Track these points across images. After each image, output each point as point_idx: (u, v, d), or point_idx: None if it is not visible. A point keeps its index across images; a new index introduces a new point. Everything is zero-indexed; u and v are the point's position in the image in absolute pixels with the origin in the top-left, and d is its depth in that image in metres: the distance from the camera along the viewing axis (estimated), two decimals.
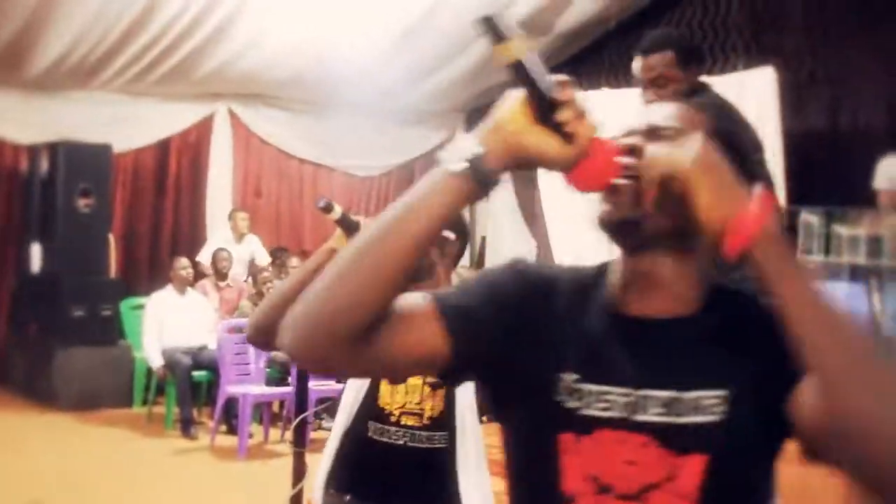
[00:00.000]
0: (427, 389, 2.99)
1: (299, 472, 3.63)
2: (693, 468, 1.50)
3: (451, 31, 10.91)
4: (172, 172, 11.83)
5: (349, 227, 3.00)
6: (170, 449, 8.38)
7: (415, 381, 2.98)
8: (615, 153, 1.50)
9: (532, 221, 11.60)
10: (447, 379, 1.76)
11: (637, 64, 4.09)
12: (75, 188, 9.90)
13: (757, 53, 9.46)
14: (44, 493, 5.08)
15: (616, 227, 1.57)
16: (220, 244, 10.75)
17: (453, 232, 2.99)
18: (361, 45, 10.83)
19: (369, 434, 3.00)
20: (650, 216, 1.52)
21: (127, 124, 11.28)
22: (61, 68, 10.36)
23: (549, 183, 10.53)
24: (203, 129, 11.93)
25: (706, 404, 1.51)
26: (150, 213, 11.71)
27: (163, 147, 11.76)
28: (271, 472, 7.12)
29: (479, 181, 1.47)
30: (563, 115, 1.44)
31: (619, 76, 10.95)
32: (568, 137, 1.45)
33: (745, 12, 10.21)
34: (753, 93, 8.92)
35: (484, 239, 12.74)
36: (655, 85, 4.01)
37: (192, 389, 9.02)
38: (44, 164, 10.19)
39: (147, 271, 11.37)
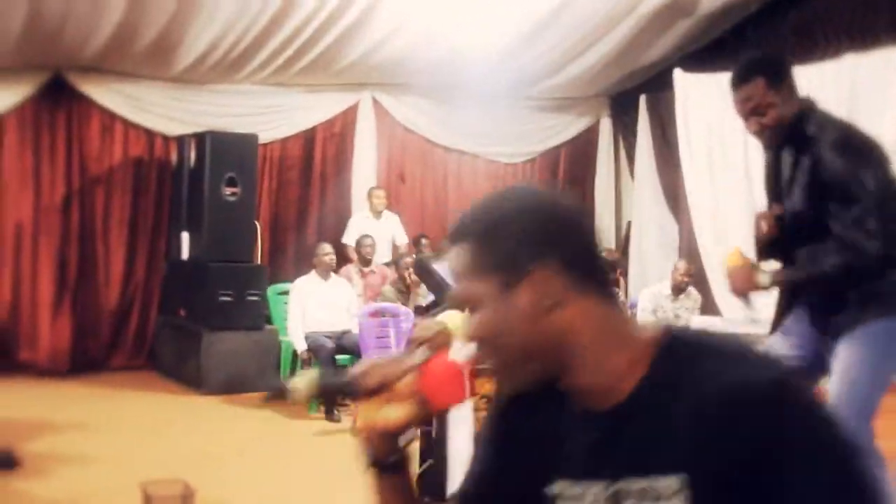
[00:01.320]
0: None
1: (426, 452, 3.63)
2: None
3: (591, 15, 10.81)
4: (318, 161, 12.00)
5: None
6: (313, 431, 8.44)
7: None
8: (444, 371, 1.69)
9: (676, 205, 11.43)
10: None
11: (732, 97, 4.02)
12: (221, 177, 10.08)
13: None
14: (188, 473, 5.14)
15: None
16: (360, 222, 10.84)
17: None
18: (501, 31, 10.80)
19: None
20: (513, 376, 1.64)
21: (272, 115, 11.52)
22: (207, 62, 10.60)
23: (692, 165, 10.39)
24: (347, 119, 12.06)
25: (667, 493, 1.49)
26: (296, 202, 11.91)
27: (308, 136, 11.94)
28: (412, 452, 7.10)
29: (388, 471, 1.75)
30: (379, 388, 1.69)
31: None
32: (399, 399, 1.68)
33: None
34: None
35: (629, 224, 12.58)
36: (756, 114, 3.92)
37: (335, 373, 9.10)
38: (191, 155, 10.41)
39: (293, 258, 11.55)
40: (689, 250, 10.42)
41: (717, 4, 10.91)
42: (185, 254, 10.41)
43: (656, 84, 11.92)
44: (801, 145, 3.88)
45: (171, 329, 10.62)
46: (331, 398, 1.58)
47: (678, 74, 10.54)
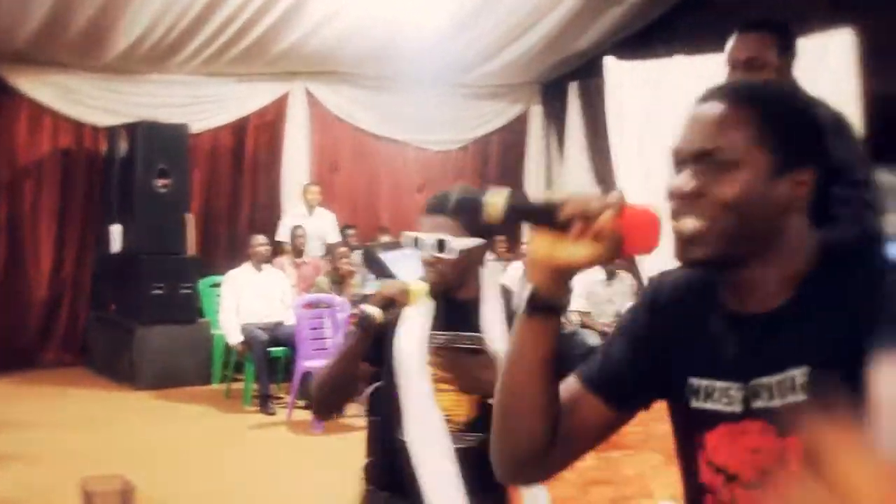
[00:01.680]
0: (456, 396, 2.96)
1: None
2: (795, 450, 1.52)
3: (523, 2, 10.83)
4: (249, 151, 11.93)
5: (386, 307, 2.98)
6: (248, 424, 8.44)
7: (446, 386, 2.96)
8: (645, 215, 1.57)
9: (607, 192, 11.47)
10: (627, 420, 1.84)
11: (732, 42, 3.91)
12: (153, 168, 9.99)
13: (836, 16, 9.23)
14: (123, 468, 5.09)
15: (703, 266, 1.62)
16: (293, 217, 10.82)
17: (478, 237, 2.95)
18: (434, 19, 10.79)
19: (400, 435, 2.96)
20: (718, 246, 1.56)
21: (204, 105, 11.43)
22: (138, 51, 10.49)
23: (623, 152, 10.46)
24: (279, 108, 11.99)
25: (797, 384, 1.54)
26: (228, 192, 11.83)
27: (240, 126, 11.86)
28: (348, 446, 7.09)
29: (545, 314, 1.62)
30: (571, 220, 1.55)
31: (692, 44, 10.79)
32: (594, 235, 1.55)
33: None
34: (832, 55, 8.74)
35: None
36: (749, 66, 3.73)
37: (269, 365, 9.06)
38: (122, 146, 10.30)
39: (225, 249, 11.46)
40: None
41: None
42: (115, 246, 10.30)
43: (586, 71, 11.97)
44: None
45: (103, 323, 10.51)
46: (520, 220, 1.47)
47: (609, 62, 10.57)
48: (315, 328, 8.78)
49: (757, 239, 1.57)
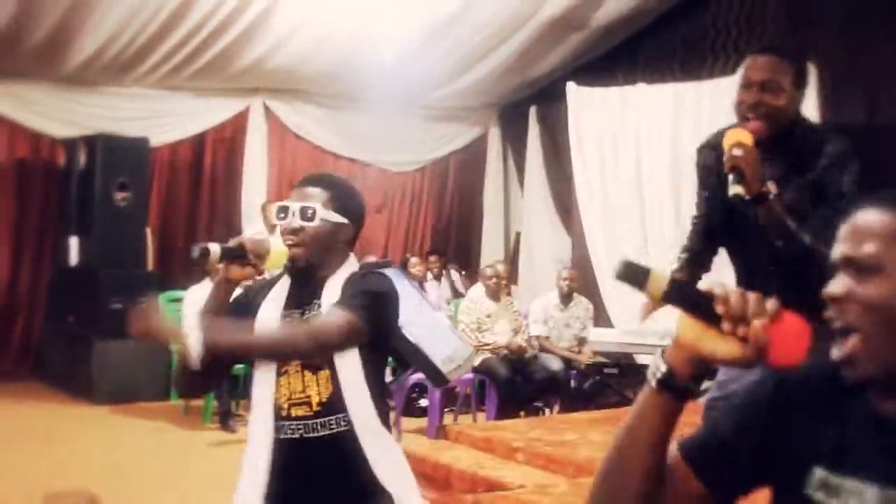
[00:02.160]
0: (308, 375, 2.92)
1: None
2: None
3: (486, 26, 10.93)
4: (208, 166, 11.88)
5: (236, 256, 2.99)
6: (208, 441, 8.37)
7: (294, 368, 2.93)
8: (798, 327, 1.56)
9: (567, 216, 11.57)
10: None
11: (748, 62, 3.86)
12: (112, 182, 9.93)
13: (796, 48, 9.38)
14: (79, 483, 5.08)
15: (857, 380, 1.59)
16: (254, 235, 10.78)
17: (346, 217, 3.02)
18: (395, 41, 10.83)
19: (274, 435, 2.91)
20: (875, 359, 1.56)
21: (163, 119, 11.36)
22: (97, 63, 10.39)
23: (584, 177, 10.54)
24: (238, 124, 11.93)
25: None
26: (187, 207, 11.77)
27: (198, 141, 11.79)
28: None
29: (675, 395, 1.63)
30: (725, 321, 1.56)
31: (654, 72, 10.93)
32: (743, 337, 1.55)
33: (782, 7, 10.15)
34: None
35: (519, 234, 12.72)
36: (763, 88, 3.62)
37: (230, 382, 8.99)
38: (81, 158, 10.23)
39: (183, 264, 11.38)
40: (580, 261, 10.55)
41: (609, 18, 11.10)
42: (73, 259, 10.21)
43: (547, 95, 12.07)
44: (796, 163, 3.68)
45: (60, 337, 10.40)
46: (677, 303, 1.44)
47: (571, 87, 10.67)
48: None
49: None
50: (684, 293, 1.61)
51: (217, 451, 8.14)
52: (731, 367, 1.59)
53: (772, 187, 3.53)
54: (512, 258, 12.52)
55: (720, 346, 1.57)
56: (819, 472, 1.62)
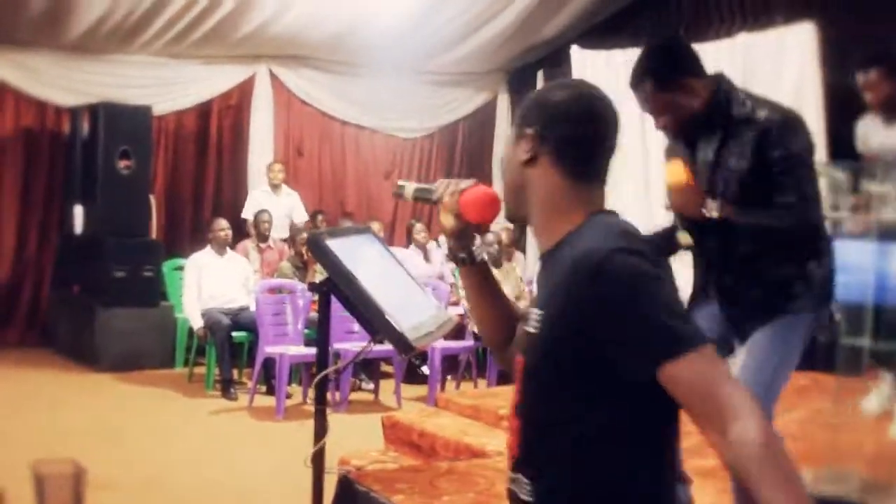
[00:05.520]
0: None
1: (321, 431, 3.58)
2: (519, 369, 2.04)
3: None
4: (213, 134, 11.88)
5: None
6: (210, 409, 8.41)
7: None
8: (480, 193, 2.24)
9: None
10: None
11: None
12: (115, 150, 9.93)
13: (797, 10, 9.27)
14: (84, 450, 5.11)
15: None
16: (258, 197, 10.80)
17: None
18: (400, 4, 10.77)
19: None
20: None
21: (167, 87, 11.38)
22: (100, 31, 10.42)
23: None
24: (244, 91, 11.93)
25: (534, 319, 1.98)
26: (192, 175, 11.79)
27: (204, 109, 11.80)
28: (308, 432, 7.13)
29: (459, 263, 2.33)
30: (438, 202, 2.30)
31: (659, 34, 10.82)
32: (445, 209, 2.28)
33: None
34: (794, 49, 8.79)
35: None
36: (657, 114, 3.69)
37: (232, 350, 9.03)
38: (84, 127, 10.24)
39: (189, 233, 11.43)
40: None
41: None
42: (78, 228, 10.25)
43: (554, 60, 11.98)
44: (728, 128, 3.68)
45: (65, 305, 10.47)
46: (423, 201, 1.88)
47: (575, 51, 10.60)
48: (277, 314, 8.75)
49: (513, 192, 2.15)
50: (420, 194, 2.38)
51: (217, 418, 8.19)
52: (456, 233, 2.25)
53: (711, 207, 3.63)
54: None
55: (444, 219, 2.26)
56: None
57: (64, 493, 4.42)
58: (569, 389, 1.90)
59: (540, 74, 12.17)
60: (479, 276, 2.31)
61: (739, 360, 3.81)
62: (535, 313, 1.98)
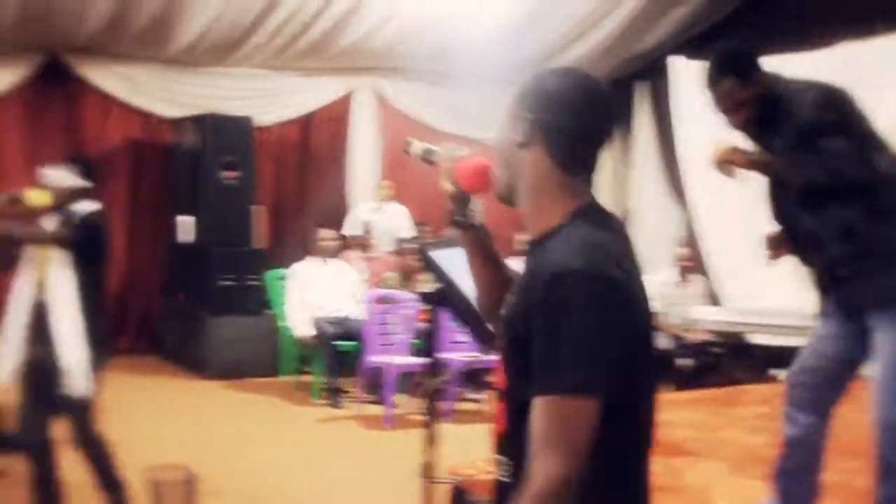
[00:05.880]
0: None
1: (429, 441, 3.61)
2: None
3: (586, 1, 10.83)
4: (314, 146, 12.01)
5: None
6: (316, 417, 8.49)
7: None
8: (473, 165, 2.34)
9: (680, 192, 11.39)
10: None
11: (710, 97, 4.04)
12: (220, 161, 10.11)
13: None
14: (190, 457, 5.21)
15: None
16: (364, 212, 10.89)
17: None
18: (497, 17, 10.82)
19: None
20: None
21: (268, 98, 11.53)
22: (202, 44, 10.63)
23: (691, 156, 10.39)
24: (344, 104, 12.04)
25: (509, 303, 2.08)
26: (295, 186, 11.92)
27: (305, 121, 11.95)
28: (415, 442, 7.17)
29: (458, 227, 2.40)
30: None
31: (759, 44, 10.70)
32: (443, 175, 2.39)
33: None
34: None
35: (628, 211, 12.60)
36: (734, 111, 4.04)
37: (338, 359, 9.08)
38: (189, 138, 10.44)
39: (293, 243, 11.53)
40: (689, 238, 10.45)
41: None
42: (184, 237, 10.42)
43: (651, 71, 11.95)
44: (778, 123, 3.91)
45: (174, 313, 10.66)
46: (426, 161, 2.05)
47: (675, 61, 10.55)
48: (382, 324, 8.82)
49: (507, 175, 2.18)
50: (424, 154, 2.50)
51: (324, 426, 8.26)
52: (454, 198, 2.35)
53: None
54: None
55: (444, 185, 2.36)
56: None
57: (177, 500, 4.56)
58: (526, 375, 1.94)
59: (639, 85, 12.15)
60: (477, 241, 2.39)
61: (876, 375, 3.79)
62: (510, 298, 2.07)
